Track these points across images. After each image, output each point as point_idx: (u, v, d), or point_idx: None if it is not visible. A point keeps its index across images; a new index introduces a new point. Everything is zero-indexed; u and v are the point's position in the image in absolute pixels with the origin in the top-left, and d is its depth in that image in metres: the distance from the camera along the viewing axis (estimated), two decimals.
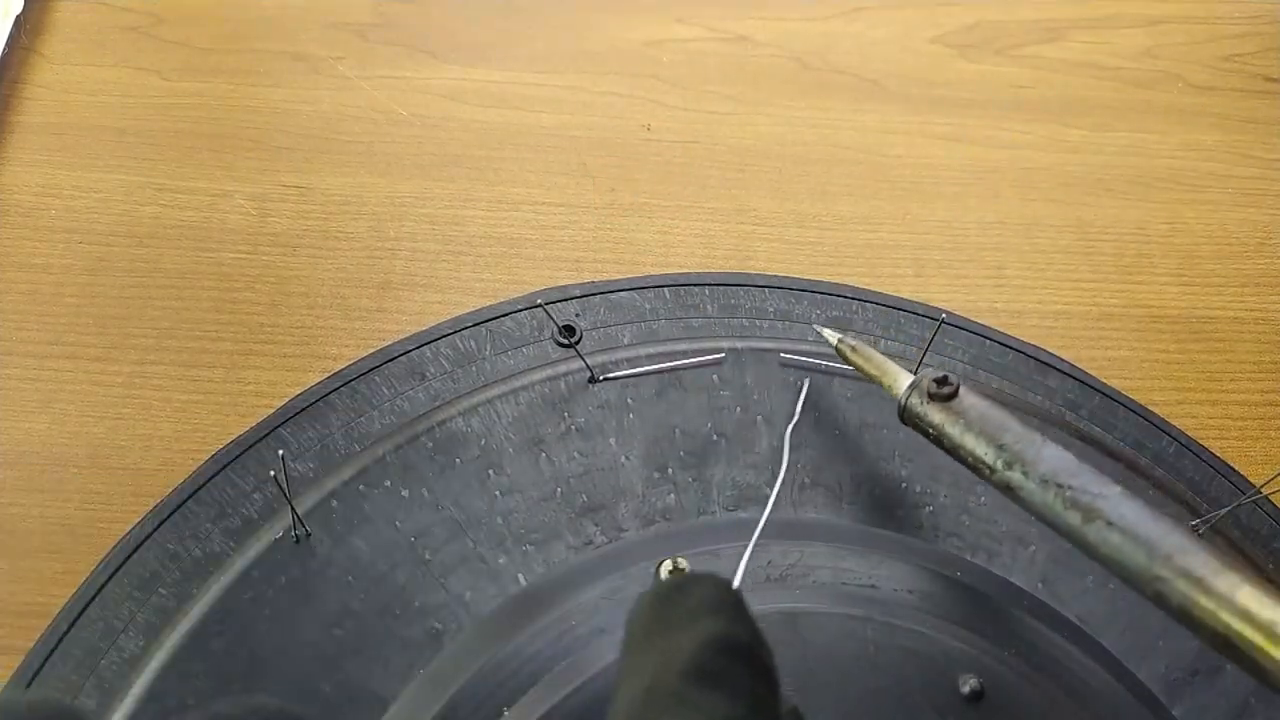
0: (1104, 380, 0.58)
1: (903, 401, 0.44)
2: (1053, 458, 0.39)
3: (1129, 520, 0.35)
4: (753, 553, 0.44)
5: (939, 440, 0.43)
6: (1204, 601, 0.32)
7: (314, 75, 0.67)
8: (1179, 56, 0.73)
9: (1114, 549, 0.35)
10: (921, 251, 0.63)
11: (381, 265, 0.59)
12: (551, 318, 0.54)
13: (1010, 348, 0.58)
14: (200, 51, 0.67)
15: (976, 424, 0.41)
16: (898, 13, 0.74)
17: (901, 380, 0.45)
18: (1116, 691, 0.43)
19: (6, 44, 0.64)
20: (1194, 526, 0.50)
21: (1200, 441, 0.57)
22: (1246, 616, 0.31)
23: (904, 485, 0.49)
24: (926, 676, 0.40)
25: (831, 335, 0.51)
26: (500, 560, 0.45)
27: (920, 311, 0.58)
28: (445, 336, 0.54)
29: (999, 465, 0.40)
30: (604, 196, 0.63)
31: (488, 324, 0.54)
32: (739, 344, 0.52)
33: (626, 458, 0.48)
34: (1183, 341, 0.62)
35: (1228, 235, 0.66)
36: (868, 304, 0.58)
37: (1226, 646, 0.31)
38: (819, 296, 0.58)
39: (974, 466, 0.41)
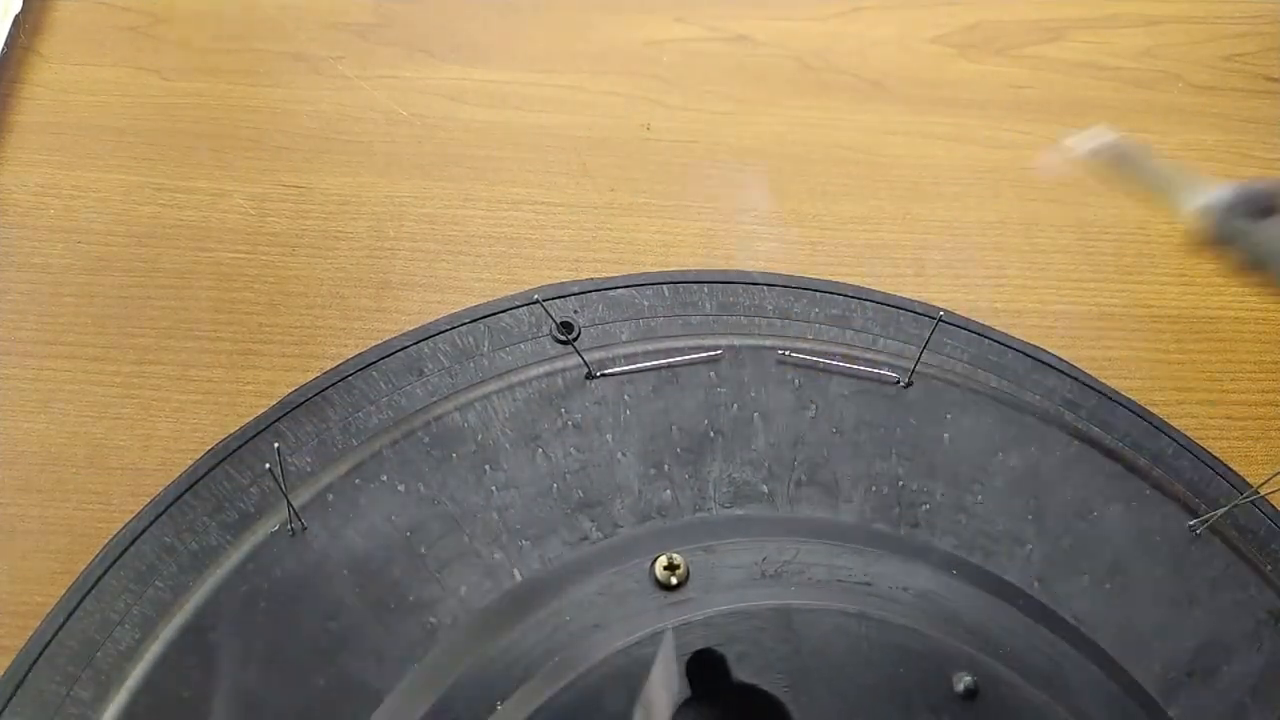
0: (1104, 380, 0.58)
1: (1215, 215, 0.41)
2: None
3: None
4: (749, 548, 0.44)
5: (1251, 254, 0.40)
6: None
7: (314, 75, 0.67)
8: (1179, 56, 0.73)
9: None
10: (922, 251, 0.63)
11: (381, 265, 0.59)
12: (550, 314, 0.54)
13: (1009, 347, 0.57)
14: (199, 51, 0.67)
15: None
16: (898, 13, 0.74)
17: (1206, 193, 0.41)
18: (1112, 691, 0.43)
19: (6, 43, 0.64)
20: (1191, 527, 0.49)
21: (1200, 442, 0.57)
22: None
23: (900, 483, 0.49)
24: (921, 674, 0.40)
25: (1085, 142, 0.46)
26: (496, 555, 0.45)
27: (918, 310, 0.58)
28: (443, 332, 0.54)
29: None
30: (604, 196, 0.63)
31: (486, 320, 0.54)
32: (736, 341, 0.52)
33: (623, 454, 0.48)
34: (1183, 341, 0.62)
35: None
36: (866, 302, 0.58)
37: None
38: (817, 295, 0.58)
39: None
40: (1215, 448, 0.57)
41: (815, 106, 0.69)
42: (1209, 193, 0.42)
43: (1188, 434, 0.57)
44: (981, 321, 0.59)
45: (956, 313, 0.59)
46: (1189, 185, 0.43)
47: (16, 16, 0.65)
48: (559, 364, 0.51)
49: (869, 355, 0.54)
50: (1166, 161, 0.45)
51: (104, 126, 0.63)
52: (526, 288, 0.58)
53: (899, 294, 0.60)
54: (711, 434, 0.49)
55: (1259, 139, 0.70)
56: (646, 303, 0.56)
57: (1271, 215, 0.40)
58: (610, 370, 0.51)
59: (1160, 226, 0.66)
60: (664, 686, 0.38)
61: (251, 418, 0.51)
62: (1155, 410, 0.57)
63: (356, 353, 0.54)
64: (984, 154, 0.68)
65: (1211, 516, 0.49)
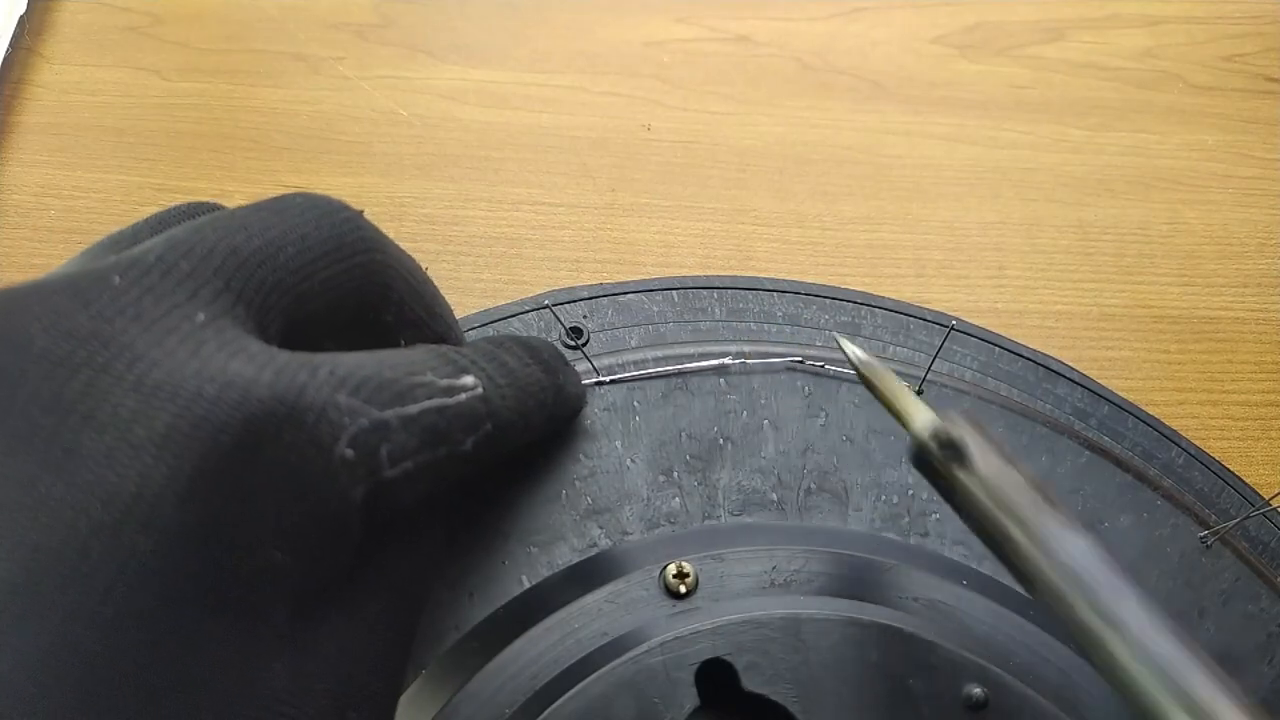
0: (1105, 382, 0.58)
1: (917, 448, 0.38)
2: (1072, 555, 0.34)
3: (1141, 650, 0.32)
4: (759, 557, 0.44)
5: (949, 496, 0.37)
6: None
7: (314, 75, 0.66)
8: (1180, 57, 0.73)
9: (1121, 679, 0.32)
10: (922, 252, 0.63)
11: None
12: (559, 319, 0.54)
13: (1019, 355, 0.57)
14: (200, 51, 0.67)
15: (992, 498, 0.36)
16: (898, 13, 0.74)
17: (920, 419, 0.38)
18: (1122, 703, 0.43)
19: (10, 44, 0.64)
20: (1202, 539, 0.49)
21: (1200, 442, 0.57)
22: None
23: (910, 492, 0.49)
24: (930, 685, 0.40)
25: (853, 350, 0.42)
26: (503, 561, 0.45)
27: (929, 318, 0.58)
28: None
29: (1009, 551, 0.36)
30: (604, 196, 0.63)
31: (495, 325, 0.54)
32: (746, 348, 0.52)
33: (632, 460, 0.48)
34: (1184, 342, 0.62)
35: (1229, 235, 0.66)
36: (876, 309, 0.58)
37: None
38: (827, 301, 0.58)
39: (983, 538, 0.37)
40: (1216, 448, 0.57)
41: (815, 106, 0.69)
42: (919, 421, 0.37)
43: (1188, 435, 0.57)
44: (982, 322, 0.59)
45: (958, 314, 0.59)
46: (912, 408, 0.38)
47: (21, 17, 0.65)
48: None
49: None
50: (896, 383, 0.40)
51: (104, 127, 0.63)
52: (527, 288, 0.58)
53: (900, 295, 0.60)
54: (721, 441, 0.49)
55: (1259, 139, 0.70)
56: (655, 308, 0.56)
57: (963, 464, 0.36)
58: (620, 376, 0.50)
59: (1161, 227, 0.66)
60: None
61: None
62: (1155, 411, 0.57)
63: None
64: (984, 154, 0.68)
65: (1223, 528, 0.49)
